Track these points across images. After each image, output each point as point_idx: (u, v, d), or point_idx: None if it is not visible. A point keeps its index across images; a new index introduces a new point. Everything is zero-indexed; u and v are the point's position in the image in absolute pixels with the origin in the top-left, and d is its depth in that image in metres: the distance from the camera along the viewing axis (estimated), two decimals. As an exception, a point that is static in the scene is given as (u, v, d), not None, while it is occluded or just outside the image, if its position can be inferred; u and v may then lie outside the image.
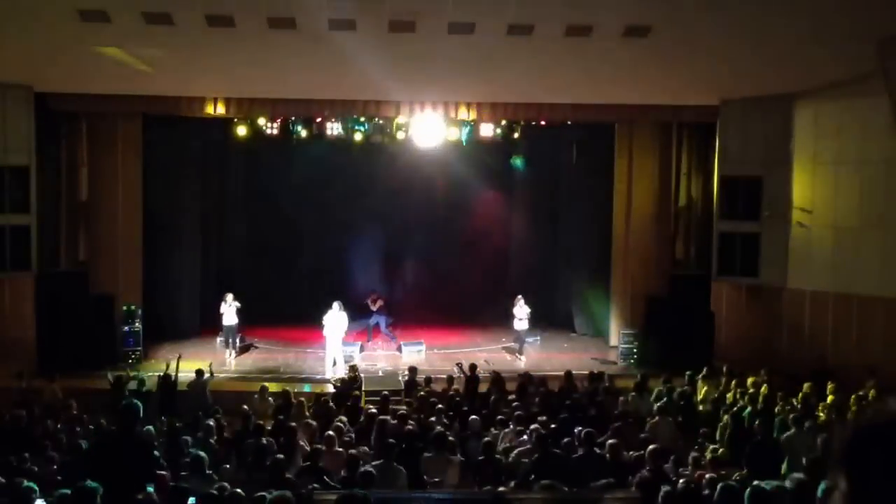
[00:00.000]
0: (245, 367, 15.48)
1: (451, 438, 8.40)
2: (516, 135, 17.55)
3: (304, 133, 16.80)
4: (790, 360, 13.86)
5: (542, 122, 16.95)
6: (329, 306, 15.29)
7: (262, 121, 16.54)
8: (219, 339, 16.68)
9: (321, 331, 15.34)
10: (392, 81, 13.38)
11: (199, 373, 12.52)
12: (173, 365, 12.50)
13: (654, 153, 16.88)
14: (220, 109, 15.42)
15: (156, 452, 7.54)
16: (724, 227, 15.08)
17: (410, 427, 9.02)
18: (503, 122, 16.82)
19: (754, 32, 10.60)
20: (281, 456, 7.62)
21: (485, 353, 16.50)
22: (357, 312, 16.63)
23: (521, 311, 16.13)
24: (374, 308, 16.96)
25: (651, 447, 7.67)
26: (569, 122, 16.84)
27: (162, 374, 12.60)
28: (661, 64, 12.10)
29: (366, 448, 8.69)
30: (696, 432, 10.02)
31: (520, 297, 16.36)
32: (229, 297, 15.86)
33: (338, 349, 15.13)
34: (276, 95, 14.96)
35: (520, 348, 16.31)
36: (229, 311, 15.81)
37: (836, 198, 13.93)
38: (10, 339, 14.12)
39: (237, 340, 16.21)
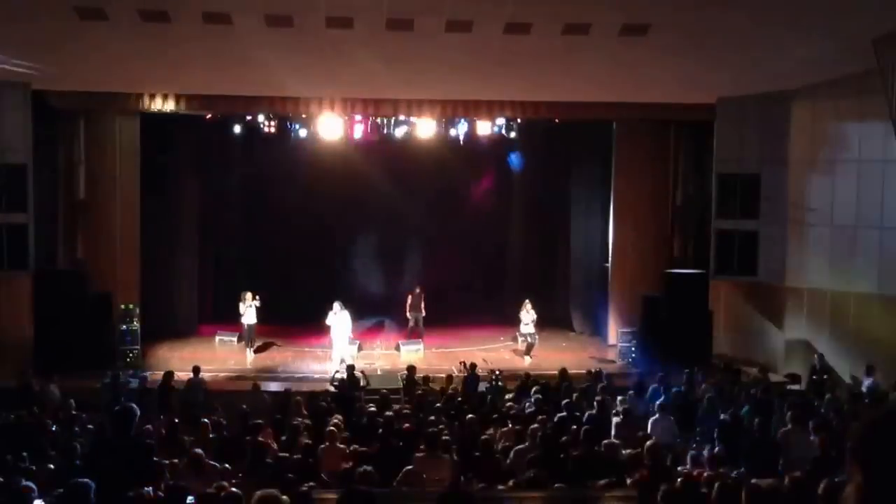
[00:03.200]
0: (243, 366, 15.48)
1: (445, 437, 8.39)
2: (513, 133, 17.55)
3: (301, 131, 16.79)
4: (788, 359, 13.89)
5: (540, 120, 16.94)
6: (329, 306, 15.28)
7: (259, 118, 16.52)
8: (217, 338, 16.67)
9: (326, 331, 15.36)
10: (390, 79, 13.38)
11: (196, 370, 12.51)
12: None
13: (651, 151, 16.89)
14: (217, 107, 15.38)
15: (154, 452, 7.54)
16: (721, 225, 15.09)
17: (408, 426, 9.02)
18: (501, 121, 16.82)
19: (752, 31, 10.60)
20: (279, 455, 7.62)
21: (483, 352, 16.50)
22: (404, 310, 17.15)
23: (528, 316, 16.13)
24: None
25: (649, 445, 7.68)
26: (567, 121, 16.87)
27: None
28: (658, 62, 12.10)
29: (364, 447, 8.68)
30: (694, 430, 10.03)
31: (527, 301, 16.36)
32: (248, 295, 15.86)
33: (344, 349, 15.12)
34: (272, 93, 14.93)
35: (528, 349, 16.28)
36: (249, 310, 15.82)
37: (833, 196, 13.94)
38: (7, 338, 14.09)
39: (255, 339, 16.20)
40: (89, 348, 14.44)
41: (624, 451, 8.10)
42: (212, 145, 18.12)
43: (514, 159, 19.41)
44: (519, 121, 17.01)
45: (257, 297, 15.95)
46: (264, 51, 11.41)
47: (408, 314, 17.21)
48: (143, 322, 15.63)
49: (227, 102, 15.20)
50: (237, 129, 16.98)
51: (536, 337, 16.39)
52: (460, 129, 17.12)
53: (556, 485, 6.96)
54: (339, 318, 15.10)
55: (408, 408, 10.76)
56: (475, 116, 16.27)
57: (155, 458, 6.91)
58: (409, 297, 17.23)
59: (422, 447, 8.02)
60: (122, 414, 6.11)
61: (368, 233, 19.57)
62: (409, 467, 7.46)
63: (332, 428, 8.85)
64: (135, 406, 6.28)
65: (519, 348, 16.65)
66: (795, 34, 10.75)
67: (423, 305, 17.09)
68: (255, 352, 16.17)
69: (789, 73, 13.22)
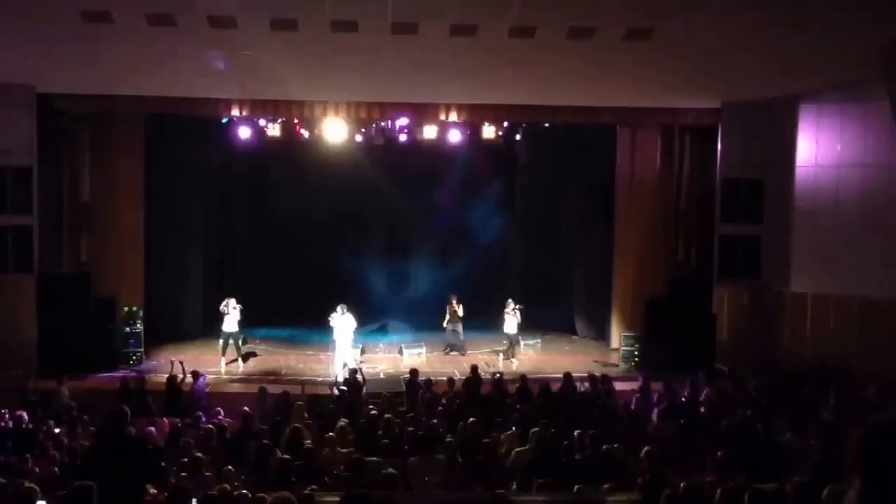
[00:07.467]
0: (246, 369, 15.47)
1: (448, 439, 8.39)
2: (518, 136, 17.57)
3: (306, 134, 16.83)
4: (792, 363, 13.85)
5: (544, 125, 16.97)
6: (332, 308, 15.27)
7: (264, 122, 16.55)
8: (221, 341, 16.64)
9: (330, 334, 15.30)
10: (394, 83, 13.40)
11: (196, 374, 12.49)
12: (178, 367, 12.47)
13: (655, 156, 16.88)
14: (223, 111, 15.43)
15: (157, 453, 7.56)
16: (725, 229, 15.07)
17: (411, 429, 9.02)
18: (505, 124, 16.85)
19: (756, 35, 10.60)
20: (281, 457, 7.62)
21: (486, 355, 16.49)
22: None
23: (513, 315, 16.06)
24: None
25: (652, 450, 7.66)
26: (571, 125, 16.88)
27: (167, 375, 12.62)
28: (662, 66, 12.09)
29: (365, 450, 8.68)
30: (697, 435, 9.99)
31: (510, 300, 16.33)
32: (231, 301, 15.50)
33: (347, 352, 15.11)
34: (278, 97, 14.97)
35: (512, 351, 16.23)
36: (232, 315, 15.41)
37: (837, 200, 13.91)
38: (11, 339, 14.11)
39: (240, 346, 15.83)
40: (93, 350, 14.48)
41: (626, 456, 8.08)
42: (217, 148, 18.17)
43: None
44: (523, 125, 17.04)
45: (233, 304, 15.41)
46: (269, 54, 11.45)
47: (445, 325, 16.77)
48: (146, 324, 15.64)
49: (231, 106, 15.22)
50: (242, 132, 17.01)
51: (521, 339, 16.24)
52: (463, 133, 17.13)
53: (558, 488, 6.95)
54: (342, 321, 15.09)
55: (410, 412, 10.75)
56: (479, 120, 16.27)
57: (156, 460, 6.93)
58: (448, 307, 16.82)
59: (415, 449, 8.03)
60: (112, 415, 6.18)
61: (372, 236, 19.59)
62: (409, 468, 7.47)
63: (335, 432, 8.86)
64: (125, 408, 6.37)
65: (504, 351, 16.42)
66: (800, 39, 10.75)
67: (460, 315, 16.68)
68: (243, 359, 15.66)
69: (794, 78, 13.21)
